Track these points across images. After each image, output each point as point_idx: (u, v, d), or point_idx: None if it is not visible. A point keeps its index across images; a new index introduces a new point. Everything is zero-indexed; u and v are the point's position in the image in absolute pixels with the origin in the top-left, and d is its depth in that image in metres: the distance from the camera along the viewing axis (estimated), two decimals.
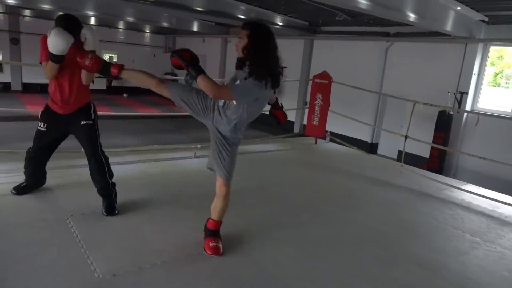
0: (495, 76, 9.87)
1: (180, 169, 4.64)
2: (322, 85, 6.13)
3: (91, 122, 3.10)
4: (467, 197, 4.52)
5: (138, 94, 18.82)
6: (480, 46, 8.76)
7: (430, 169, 8.73)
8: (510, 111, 8.42)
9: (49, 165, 3.41)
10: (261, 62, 2.39)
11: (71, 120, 3.07)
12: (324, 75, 6.18)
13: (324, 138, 6.72)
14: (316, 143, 6.58)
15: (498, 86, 9.63)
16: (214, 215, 2.73)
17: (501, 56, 9.67)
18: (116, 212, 3.14)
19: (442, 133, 8.89)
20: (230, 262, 2.64)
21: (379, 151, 11.00)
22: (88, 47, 2.86)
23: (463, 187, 4.91)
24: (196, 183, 4.15)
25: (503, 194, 4.61)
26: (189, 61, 2.39)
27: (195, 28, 14.23)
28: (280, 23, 11.41)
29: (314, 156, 6.06)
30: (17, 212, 3.07)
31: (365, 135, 11.15)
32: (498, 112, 8.53)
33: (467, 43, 8.80)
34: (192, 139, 7.27)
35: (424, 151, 9.38)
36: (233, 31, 15.50)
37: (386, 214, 3.85)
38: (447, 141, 8.98)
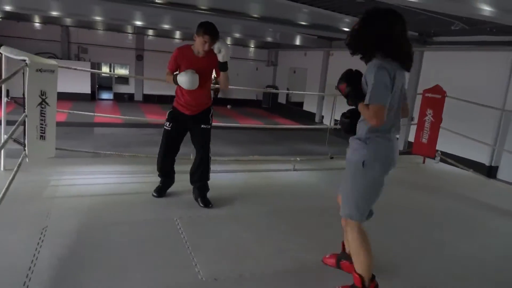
0: None
1: (279, 181, 4.70)
2: (434, 100, 5.65)
3: (209, 126, 3.52)
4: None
5: (241, 105, 19.78)
6: None
7: None
8: None
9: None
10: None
11: (194, 121, 3.46)
12: (437, 89, 5.69)
13: (433, 157, 6.17)
14: (424, 162, 6.07)
15: None
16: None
17: None
18: (211, 205, 3.53)
19: None
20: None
21: (500, 175, 9.67)
22: (221, 58, 3.28)
23: None
24: (294, 196, 4.16)
25: None
26: (346, 95, 2.24)
27: (297, 42, 14.46)
28: None
29: (422, 177, 5.59)
30: (133, 210, 3.44)
31: (482, 157, 9.92)
32: None
33: None
34: (291, 151, 7.36)
35: None
36: (336, 44, 15.34)
37: (506, 249, 3.34)
38: None
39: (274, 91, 19.02)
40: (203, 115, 3.48)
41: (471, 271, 2.90)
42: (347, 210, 2.28)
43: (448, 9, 6.11)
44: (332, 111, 5.68)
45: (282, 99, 20.33)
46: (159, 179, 3.75)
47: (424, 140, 5.78)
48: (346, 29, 10.20)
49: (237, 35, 13.28)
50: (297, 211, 3.73)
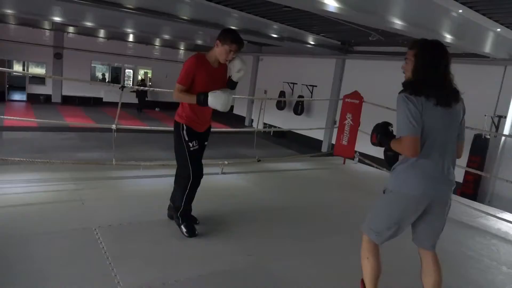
0: None
1: (207, 184, 4.64)
2: (353, 104, 6.06)
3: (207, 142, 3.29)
4: (504, 227, 4.27)
5: (171, 109, 19.34)
6: None
7: (464, 194, 8.37)
8: None
9: (80, 175, 3.51)
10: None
11: (203, 137, 3.20)
12: (355, 94, 6.11)
13: (353, 158, 6.60)
14: (344, 163, 6.46)
15: None
16: None
17: None
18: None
19: (478, 157, 8.53)
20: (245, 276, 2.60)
21: None
22: (236, 78, 3.06)
23: (500, 215, 4.65)
24: (221, 199, 4.16)
25: None
26: (379, 142, 2.31)
27: None
28: (313, 42, 11.48)
29: (342, 176, 5.95)
30: (48, 221, 3.18)
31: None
32: None
33: (506, 65, 8.48)
34: (219, 154, 7.35)
35: (458, 176, 8.99)
36: (265, 49, 15.72)
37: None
38: (482, 166, 8.59)
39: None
40: (208, 132, 3.28)
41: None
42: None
43: (364, 21, 6.61)
44: (259, 114, 5.80)
45: None
46: (71, 187, 3.48)
47: (345, 143, 6.16)
48: (275, 35, 10.52)
49: (166, 36, 12.98)
50: (223, 214, 3.74)
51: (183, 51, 20.34)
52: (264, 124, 15.16)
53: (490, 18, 6.77)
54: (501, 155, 8.77)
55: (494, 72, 8.74)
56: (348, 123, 6.08)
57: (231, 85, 3.08)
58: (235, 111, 18.31)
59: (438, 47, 2.16)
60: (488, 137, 8.49)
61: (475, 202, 5.53)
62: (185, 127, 3.05)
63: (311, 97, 13.62)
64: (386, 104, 7.23)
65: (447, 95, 2.13)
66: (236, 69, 2.99)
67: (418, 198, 2.12)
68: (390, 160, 2.27)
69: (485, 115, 8.53)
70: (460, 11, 6.30)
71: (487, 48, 7.61)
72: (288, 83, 14.66)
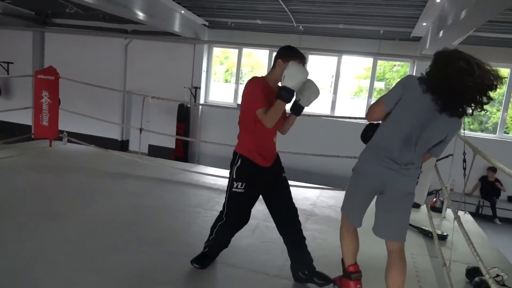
0: (225, 73, 11.62)
1: None
2: (48, 81, 5.58)
3: (285, 173, 2.68)
4: (196, 177, 5.17)
5: None
6: (205, 47, 10.10)
7: (177, 158, 9.52)
8: (232, 102, 10.15)
9: None
10: None
11: (273, 172, 2.60)
12: (50, 70, 5.64)
13: (61, 139, 6.19)
14: (51, 145, 5.97)
15: (229, 82, 11.36)
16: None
17: (227, 57, 11.46)
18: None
19: (183, 124, 9.81)
20: None
21: (131, 147, 11.09)
22: (306, 103, 2.54)
23: (193, 169, 5.59)
24: None
25: (223, 169, 5.52)
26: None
27: None
28: None
29: (48, 159, 5.48)
30: None
31: (115, 133, 10.98)
32: (225, 103, 10.15)
33: (194, 43, 9.96)
34: None
35: (171, 143, 10.11)
36: None
37: (120, 205, 3.93)
38: (188, 132, 9.98)
39: None
40: (278, 162, 2.67)
41: (92, 233, 3.18)
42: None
43: None
44: None
45: None
46: None
47: (45, 123, 5.65)
48: None
49: None
50: None
51: None
52: None
53: (174, 0, 7.69)
54: (201, 120, 10.42)
55: (187, 49, 10.09)
56: (46, 101, 5.58)
57: (297, 111, 2.59)
58: None
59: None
60: (189, 106, 9.86)
61: (176, 162, 6.39)
62: (242, 160, 2.56)
63: (8, 75, 11.58)
64: (97, 81, 7.11)
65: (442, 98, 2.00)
66: (308, 93, 2.50)
67: (367, 173, 2.18)
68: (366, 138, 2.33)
69: (184, 87, 9.83)
70: None
71: (176, 28, 8.64)
72: None
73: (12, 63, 11.62)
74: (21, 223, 3.20)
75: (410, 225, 3.64)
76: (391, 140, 2.11)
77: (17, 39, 11.44)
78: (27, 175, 4.56)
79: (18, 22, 10.56)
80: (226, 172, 5.29)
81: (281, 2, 6.94)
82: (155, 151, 9.79)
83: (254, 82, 2.48)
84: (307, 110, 2.69)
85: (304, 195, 4.72)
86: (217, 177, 5.10)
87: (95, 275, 2.56)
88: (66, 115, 5.99)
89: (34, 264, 2.61)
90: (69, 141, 6.29)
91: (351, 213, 2.29)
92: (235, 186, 2.53)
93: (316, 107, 9.36)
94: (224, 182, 4.92)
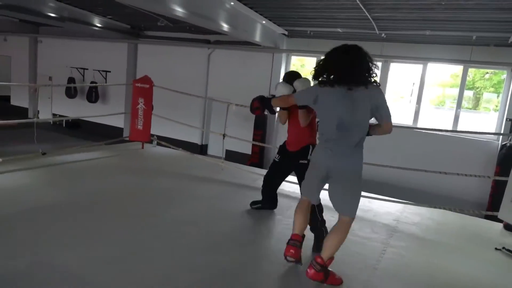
0: None
1: None
2: (143, 89, 6.14)
3: (305, 162, 3.26)
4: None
5: None
6: (284, 55, 10.27)
7: (252, 164, 9.76)
8: None
9: None
10: None
11: (295, 157, 3.52)
12: (145, 79, 6.20)
13: (151, 142, 6.74)
14: (143, 147, 6.53)
15: None
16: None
17: (303, 65, 11.52)
18: None
19: (260, 131, 10.05)
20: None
21: (210, 151, 11.63)
22: None
23: None
24: None
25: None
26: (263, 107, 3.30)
27: None
28: (100, 25, 10.81)
29: (140, 161, 6.02)
30: None
31: (195, 138, 11.61)
32: None
33: (273, 52, 10.18)
34: None
35: (247, 149, 10.41)
36: (44, 30, 13.82)
37: (205, 207, 4.16)
38: (264, 138, 10.20)
39: None
40: (301, 152, 3.52)
41: (178, 232, 3.44)
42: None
43: (146, 6, 6.70)
44: (37, 103, 5.14)
45: None
46: None
47: (140, 127, 6.21)
48: (52, 14, 9.39)
49: None
50: (1, 217, 3.28)
51: None
52: (54, 114, 13.50)
53: (256, 11, 7.96)
54: (277, 128, 10.59)
55: (265, 58, 10.35)
56: (141, 107, 6.14)
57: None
58: (14, 102, 15.57)
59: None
60: (266, 113, 10.06)
61: (255, 168, 6.56)
62: (283, 143, 3.81)
63: (106, 83, 12.91)
64: (181, 88, 7.64)
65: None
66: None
67: (317, 163, 2.73)
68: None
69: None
70: (232, 3, 7.16)
71: (257, 37, 8.92)
72: (77, 68, 13.42)
73: (110, 71, 12.95)
74: (117, 218, 3.56)
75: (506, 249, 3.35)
76: (326, 131, 2.65)
77: (114, 50, 12.71)
78: (124, 174, 5.05)
79: (116, 35, 11.74)
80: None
81: (364, 10, 6.81)
82: (232, 156, 10.15)
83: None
84: (395, 121, 2.71)
85: (386, 209, 4.57)
86: (296, 184, 5.13)
87: (187, 273, 2.75)
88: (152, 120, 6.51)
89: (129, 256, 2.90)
90: (158, 144, 6.82)
91: (309, 194, 2.82)
92: (276, 156, 3.87)
93: (398, 116, 9.04)
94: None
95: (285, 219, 3.96)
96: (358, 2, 6.37)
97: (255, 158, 10.24)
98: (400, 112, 9.55)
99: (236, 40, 9.85)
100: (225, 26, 7.68)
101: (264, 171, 6.36)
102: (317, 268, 2.61)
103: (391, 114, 2.55)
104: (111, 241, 3.10)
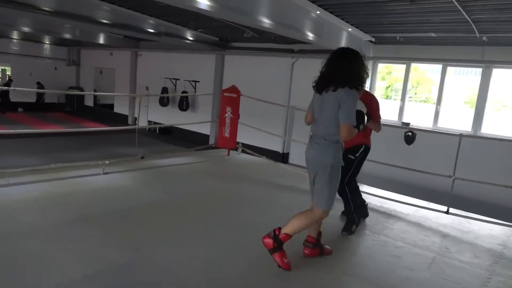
0: (386, 89, 11.20)
1: (87, 186, 4.47)
2: (231, 98, 6.40)
3: (352, 157, 3.76)
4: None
5: (35, 109, 17.37)
6: (370, 63, 9.91)
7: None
8: (396, 119, 9.64)
9: None
10: None
11: (345, 153, 3.55)
12: (233, 89, 6.46)
13: (236, 149, 6.98)
14: (228, 154, 6.80)
15: (389, 98, 10.92)
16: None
17: (390, 72, 11.03)
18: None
19: None
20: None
21: (291, 160, 11.66)
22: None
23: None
24: (105, 199, 4.05)
25: (389, 192, 5.29)
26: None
27: (101, 40, 13.68)
28: (191, 38, 11.57)
29: (226, 167, 6.27)
30: None
31: (277, 146, 11.74)
32: (388, 121, 9.71)
33: None
34: (100, 155, 6.98)
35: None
36: (143, 44, 15.22)
37: (287, 215, 4.15)
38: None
39: (78, 93, 17.42)
40: (351, 149, 3.79)
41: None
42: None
43: (235, 18, 7.00)
44: (138, 111, 5.69)
45: (89, 102, 18.84)
46: None
47: (227, 135, 6.48)
48: (151, 30, 10.31)
49: (26, 29, 11.56)
50: (107, 214, 3.66)
51: (49, 45, 18.33)
52: (149, 121, 14.75)
53: (342, 19, 7.83)
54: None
55: None
56: (228, 116, 6.41)
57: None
58: (116, 110, 17.36)
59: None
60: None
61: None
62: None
63: (195, 93, 13.75)
64: (265, 97, 7.83)
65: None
66: None
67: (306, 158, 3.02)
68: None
69: None
70: (318, 12, 7.14)
71: (342, 45, 8.73)
72: (170, 79, 14.50)
73: (199, 81, 13.76)
74: (211, 219, 3.74)
75: None
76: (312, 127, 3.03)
77: (203, 61, 13.49)
78: (213, 179, 5.30)
79: (205, 47, 12.45)
80: (392, 195, 5.07)
81: (463, 12, 6.29)
82: None
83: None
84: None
85: (490, 232, 4.11)
86: (383, 199, 4.91)
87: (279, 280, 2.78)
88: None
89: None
90: (242, 151, 7.05)
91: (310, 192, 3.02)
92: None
93: (502, 128, 8.13)
94: (392, 206, 4.76)
95: (373, 235, 3.79)
96: (456, 3, 5.91)
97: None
98: (503, 123, 8.59)
99: (320, 48, 9.78)
100: (310, 35, 7.68)
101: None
102: (309, 246, 3.08)
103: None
104: (207, 241, 3.27)
